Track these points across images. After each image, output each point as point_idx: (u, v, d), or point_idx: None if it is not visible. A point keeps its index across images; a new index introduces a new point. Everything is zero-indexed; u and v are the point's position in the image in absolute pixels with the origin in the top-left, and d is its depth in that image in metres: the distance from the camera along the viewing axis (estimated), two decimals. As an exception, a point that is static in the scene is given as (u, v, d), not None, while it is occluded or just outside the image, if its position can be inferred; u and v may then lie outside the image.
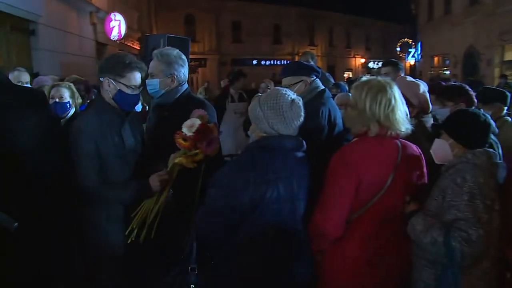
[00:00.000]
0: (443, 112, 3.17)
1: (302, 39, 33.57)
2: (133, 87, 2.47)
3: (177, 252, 2.32)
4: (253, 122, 2.16)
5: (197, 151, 2.33)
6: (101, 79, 2.47)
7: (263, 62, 32.26)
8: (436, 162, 2.22)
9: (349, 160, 2.09)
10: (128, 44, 15.47)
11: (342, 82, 6.44)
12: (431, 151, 2.24)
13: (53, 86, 3.52)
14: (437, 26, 21.94)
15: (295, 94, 2.18)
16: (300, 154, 2.16)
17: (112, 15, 12.14)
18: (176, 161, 2.37)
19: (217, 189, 2.04)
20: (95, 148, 2.37)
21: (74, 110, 3.49)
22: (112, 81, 2.44)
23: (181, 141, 2.33)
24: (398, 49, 31.44)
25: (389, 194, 2.09)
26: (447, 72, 20.90)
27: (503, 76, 13.37)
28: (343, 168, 2.09)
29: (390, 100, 2.08)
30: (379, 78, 2.19)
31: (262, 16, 31.57)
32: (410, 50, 30.54)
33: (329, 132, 2.97)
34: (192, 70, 27.68)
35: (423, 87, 3.06)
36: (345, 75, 32.60)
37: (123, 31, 12.61)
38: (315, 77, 3.07)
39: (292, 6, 31.85)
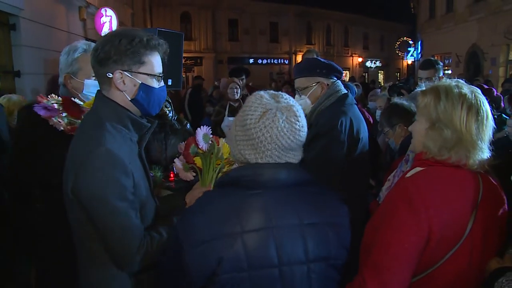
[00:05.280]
0: None
1: (300, 38, 33.26)
2: (158, 76, 1.68)
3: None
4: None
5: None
6: (109, 75, 1.59)
7: (259, 61, 31.94)
8: None
9: (418, 200, 1.43)
10: (121, 41, 14.87)
11: (349, 83, 5.92)
12: None
13: None
14: (438, 24, 21.70)
15: (299, 102, 1.50)
16: (312, 189, 1.44)
17: (103, 10, 11.56)
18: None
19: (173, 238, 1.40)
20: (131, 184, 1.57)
21: None
22: (127, 73, 1.59)
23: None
24: (397, 48, 31.08)
25: (466, 248, 1.46)
26: (449, 72, 20.45)
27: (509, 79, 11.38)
28: (409, 212, 1.43)
29: (488, 120, 1.51)
30: (465, 84, 1.55)
31: (259, 14, 31.20)
32: (409, 49, 30.11)
33: (350, 149, 2.38)
34: (187, 69, 27.39)
35: None
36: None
37: (114, 28, 12.01)
38: (335, 78, 2.50)
39: (289, 4, 31.45)
